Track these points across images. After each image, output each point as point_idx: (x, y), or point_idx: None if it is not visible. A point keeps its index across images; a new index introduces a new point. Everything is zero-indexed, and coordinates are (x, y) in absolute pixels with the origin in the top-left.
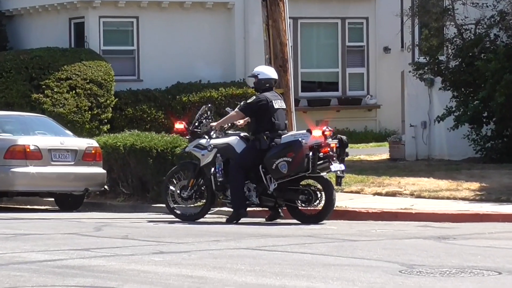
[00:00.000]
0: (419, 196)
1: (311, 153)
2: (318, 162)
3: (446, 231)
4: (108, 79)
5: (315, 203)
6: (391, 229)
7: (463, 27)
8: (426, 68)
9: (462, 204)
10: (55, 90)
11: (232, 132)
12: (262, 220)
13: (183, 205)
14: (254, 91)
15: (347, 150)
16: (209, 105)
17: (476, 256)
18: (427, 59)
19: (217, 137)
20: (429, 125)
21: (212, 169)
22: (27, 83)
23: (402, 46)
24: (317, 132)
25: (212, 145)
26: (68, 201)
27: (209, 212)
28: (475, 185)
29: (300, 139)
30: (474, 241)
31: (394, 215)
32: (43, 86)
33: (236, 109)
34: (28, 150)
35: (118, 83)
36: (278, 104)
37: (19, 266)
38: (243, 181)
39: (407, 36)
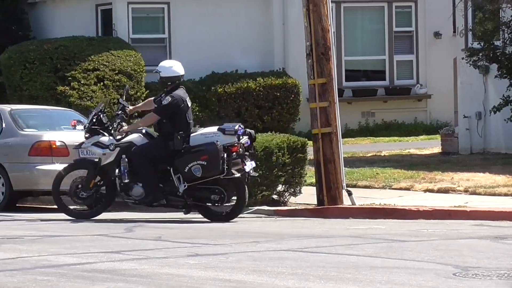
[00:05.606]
0: (474, 193)
1: (225, 155)
2: (233, 162)
3: (503, 230)
4: (138, 70)
5: (227, 203)
6: (443, 228)
7: None
8: (480, 54)
9: None
10: (81, 82)
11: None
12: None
13: (79, 206)
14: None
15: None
16: (107, 97)
17: None
18: (482, 44)
19: (120, 136)
20: (484, 116)
21: (117, 171)
22: (52, 74)
23: (454, 31)
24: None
25: (114, 144)
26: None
27: (246, 212)
28: None
29: (215, 141)
30: None
31: (447, 214)
32: (69, 78)
33: (152, 112)
34: (54, 146)
35: (149, 74)
36: (189, 102)
37: (46, 270)
38: (150, 166)
39: (460, 20)
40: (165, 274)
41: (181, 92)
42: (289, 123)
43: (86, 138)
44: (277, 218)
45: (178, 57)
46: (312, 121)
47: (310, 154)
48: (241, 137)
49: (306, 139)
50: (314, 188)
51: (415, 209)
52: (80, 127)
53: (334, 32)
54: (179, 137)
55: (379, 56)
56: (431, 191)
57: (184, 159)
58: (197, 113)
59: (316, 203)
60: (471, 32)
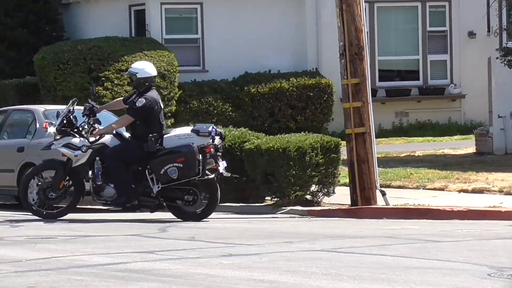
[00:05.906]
0: (508, 193)
1: (200, 156)
2: (207, 162)
3: None
4: (172, 70)
5: (200, 203)
6: (478, 228)
7: None
8: None
9: None
10: (115, 82)
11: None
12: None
13: (47, 205)
14: (135, 89)
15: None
16: (75, 98)
17: None
18: None
19: (94, 138)
20: None
21: (90, 172)
22: (86, 75)
23: (489, 31)
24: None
25: (86, 146)
26: None
27: (280, 212)
28: None
29: (190, 143)
30: None
31: (481, 214)
32: (103, 78)
33: (126, 114)
34: None
35: (182, 74)
36: (161, 104)
37: (79, 270)
38: (123, 168)
39: (494, 19)
40: (198, 274)
41: (154, 93)
42: (323, 123)
43: (57, 139)
44: (311, 218)
45: (211, 57)
46: (346, 121)
47: (344, 154)
48: (214, 138)
49: (340, 139)
50: (348, 188)
51: (449, 210)
52: (52, 129)
53: (367, 32)
54: (153, 138)
55: (413, 56)
56: (466, 191)
57: (160, 161)
58: (230, 113)
59: (349, 203)
60: (505, 32)
